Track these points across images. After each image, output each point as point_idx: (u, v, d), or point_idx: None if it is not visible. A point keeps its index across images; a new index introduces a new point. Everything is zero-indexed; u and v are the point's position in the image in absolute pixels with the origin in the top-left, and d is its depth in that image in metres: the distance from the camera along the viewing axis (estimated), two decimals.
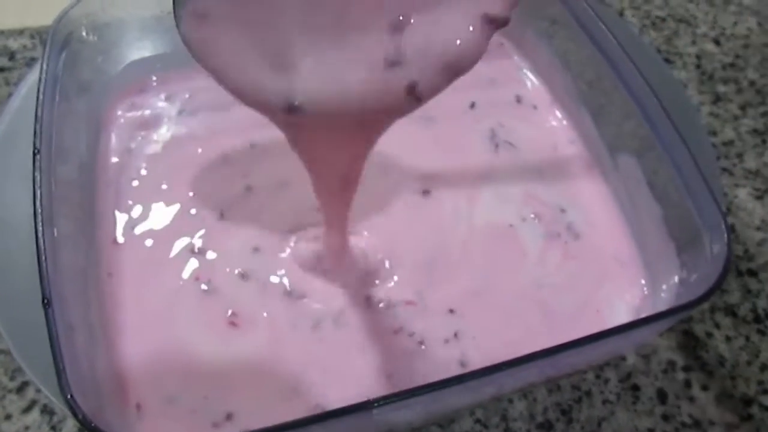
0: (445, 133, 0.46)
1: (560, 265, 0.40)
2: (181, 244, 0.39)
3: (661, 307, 0.34)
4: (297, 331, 0.36)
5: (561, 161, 0.45)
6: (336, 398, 0.34)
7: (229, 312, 0.37)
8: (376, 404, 0.25)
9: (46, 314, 0.26)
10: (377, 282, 0.38)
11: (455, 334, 0.37)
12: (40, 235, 0.29)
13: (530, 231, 0.42)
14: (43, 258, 0.28)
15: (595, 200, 0.43)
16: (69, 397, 0.25)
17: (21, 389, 0.39)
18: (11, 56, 0.55)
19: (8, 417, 0.38)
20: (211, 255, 0.39)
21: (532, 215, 0.42)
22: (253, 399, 0.34)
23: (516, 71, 0.51)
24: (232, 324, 0.36)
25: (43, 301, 0.27)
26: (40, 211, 0.29)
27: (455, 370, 0.35)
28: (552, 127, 0.48)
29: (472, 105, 0.48)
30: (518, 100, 0.49)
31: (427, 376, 0.28)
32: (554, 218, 0.42)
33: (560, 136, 0.47)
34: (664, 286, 0.36)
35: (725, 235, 0.31)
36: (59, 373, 0.25)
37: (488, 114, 0.48)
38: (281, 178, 0.42)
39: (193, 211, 0.41)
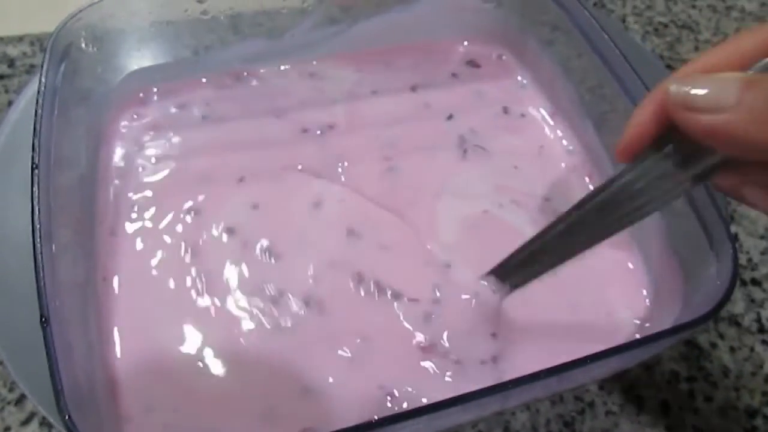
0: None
1: None
2: (181, 259, 0.39)
3: (666, 320, 0.34)
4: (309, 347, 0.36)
5: (562, 173, 0.45)
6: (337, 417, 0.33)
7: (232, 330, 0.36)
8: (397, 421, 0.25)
9: (44, 333, 0.26)
10: None
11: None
12: (38, 252, 0.28)
13: (512, 214, 0.42)
14: (41, 275, 0.27)
15: None
16: (67, 418, 0.25)
17: (20, 401, 0.39)
18: (11, 63, 0.55)
19: (7, 429, 0.38)
20: (211, 271, 0.39)
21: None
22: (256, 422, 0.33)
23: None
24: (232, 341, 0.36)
25: (41, 320, 0.26)
26: (38, 227, 0.29)
27: None
28: (556, 137, 0.47)
29: (450, 117, 0.48)
30: (505, 110, 0.49)
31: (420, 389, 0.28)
32: (539, 206, 0.43)
33: (557, 145, 0.47)
34: (668, 301, 0.36)
35: (731, 251, 0.30)
36: (57, 393, 0.25)
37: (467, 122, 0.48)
38: (285, 196, 0.42)
39: (193, 224, 0.40)
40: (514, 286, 0.35)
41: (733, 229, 0.49)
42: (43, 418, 0.39)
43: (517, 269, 0.34)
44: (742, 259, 0.48)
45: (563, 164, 0.46)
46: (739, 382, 0.42)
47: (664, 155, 0.26)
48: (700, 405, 0.41)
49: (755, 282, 0.47)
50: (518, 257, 0.33)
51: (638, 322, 0.38)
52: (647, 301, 0.39)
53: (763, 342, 0.44)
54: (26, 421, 0.38)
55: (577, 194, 0.42)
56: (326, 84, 0.48)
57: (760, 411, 0.41)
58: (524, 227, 0.41)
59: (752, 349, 0.44)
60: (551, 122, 0.48)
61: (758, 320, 0.45)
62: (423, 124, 0.47)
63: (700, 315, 0.28)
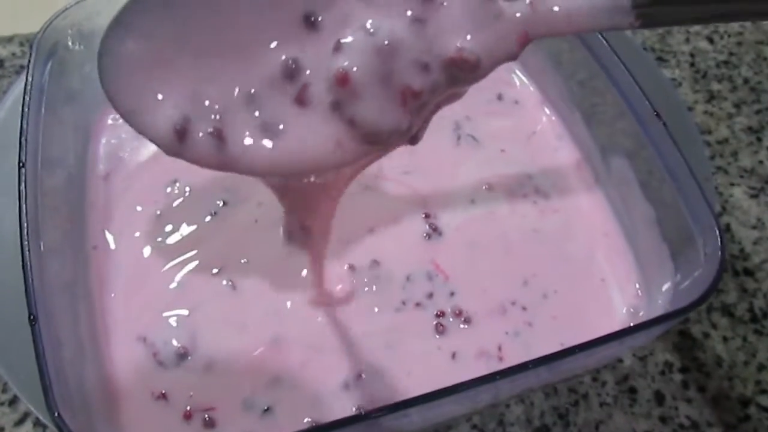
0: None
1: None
2: (170, 254, 0.39)
3: (656, 309, 0.34)
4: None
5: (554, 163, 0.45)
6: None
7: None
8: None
9: (33, 331, 0.26)
10: None
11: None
12: (26, 250, 0.28)
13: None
14: (29, 274, 0.27)
15: (586, 202, 0.43)
16: (56, 415, 0.24)
17: (13, 402, 0.39)
18: (0, 64, 0.55)
19: (1, 430, 0.38)
20: (198, 264, 0.39)
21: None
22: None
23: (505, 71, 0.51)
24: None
25: (29, 318, 0.26)
26: (26, 225, 0.29)
27: None
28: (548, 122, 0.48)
29: None
30: (499, 97, 0.49)
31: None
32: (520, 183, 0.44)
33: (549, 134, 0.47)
34: (658, 289, 0.36)
35: (718, 239, 0.30)
36: (46, 390, 0.25)
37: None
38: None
39: (182, 221, 0.40)
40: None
41: (726, 219, 0.49)
42: (37, 418, 0.39)
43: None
44: (734, 249, 0.48)
45: (552, 150, 0.46)
46: (732, 371, 0.42)
47: None
48: (693, 395, 0.41)
49: (747, 272, 0.47)
50: None
51: (632, 310, 0.38)
52: (639, 290, 0.39)
53: (756, 331, 0.44)
54: (20, 422, 0.38)
55: (583, 203, 0.43)
56: None
57: (753, 400, 0.41)
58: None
59: (745, 339, 0.44)
60: (544, 110, 0.48)
61: (751, 310, 0.45)
62: None
63: (689, 303, 0.28)
